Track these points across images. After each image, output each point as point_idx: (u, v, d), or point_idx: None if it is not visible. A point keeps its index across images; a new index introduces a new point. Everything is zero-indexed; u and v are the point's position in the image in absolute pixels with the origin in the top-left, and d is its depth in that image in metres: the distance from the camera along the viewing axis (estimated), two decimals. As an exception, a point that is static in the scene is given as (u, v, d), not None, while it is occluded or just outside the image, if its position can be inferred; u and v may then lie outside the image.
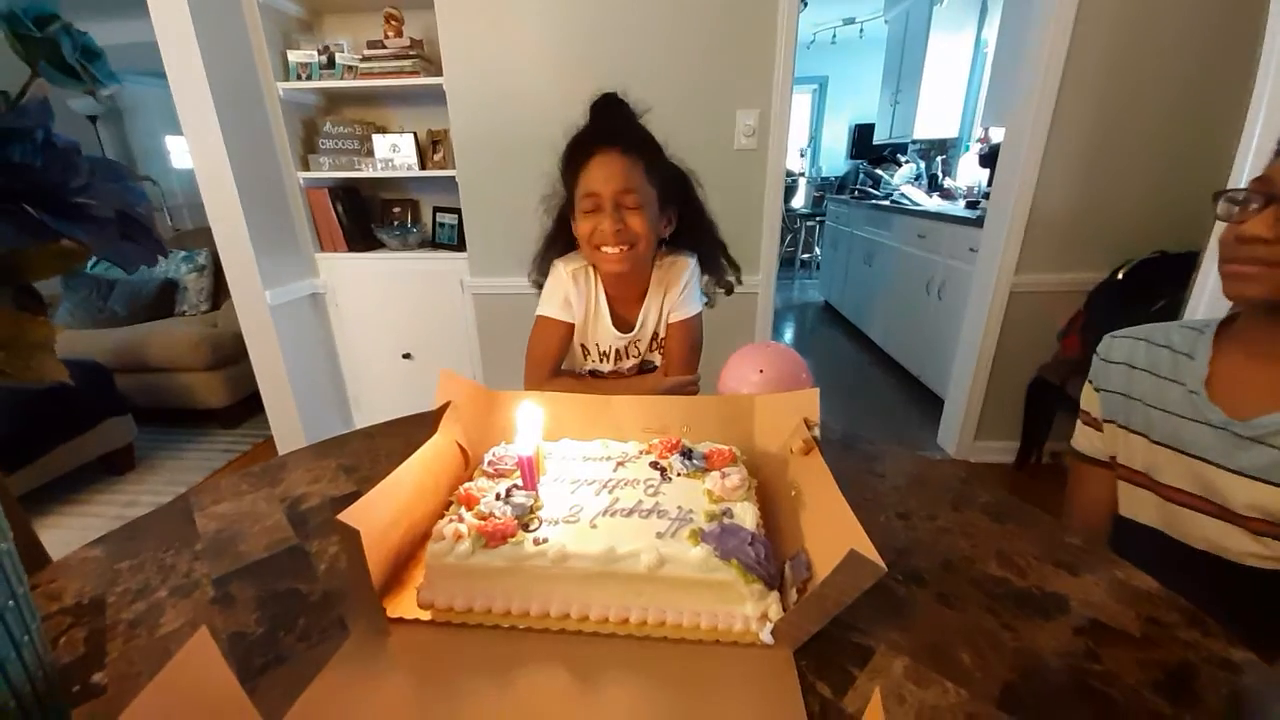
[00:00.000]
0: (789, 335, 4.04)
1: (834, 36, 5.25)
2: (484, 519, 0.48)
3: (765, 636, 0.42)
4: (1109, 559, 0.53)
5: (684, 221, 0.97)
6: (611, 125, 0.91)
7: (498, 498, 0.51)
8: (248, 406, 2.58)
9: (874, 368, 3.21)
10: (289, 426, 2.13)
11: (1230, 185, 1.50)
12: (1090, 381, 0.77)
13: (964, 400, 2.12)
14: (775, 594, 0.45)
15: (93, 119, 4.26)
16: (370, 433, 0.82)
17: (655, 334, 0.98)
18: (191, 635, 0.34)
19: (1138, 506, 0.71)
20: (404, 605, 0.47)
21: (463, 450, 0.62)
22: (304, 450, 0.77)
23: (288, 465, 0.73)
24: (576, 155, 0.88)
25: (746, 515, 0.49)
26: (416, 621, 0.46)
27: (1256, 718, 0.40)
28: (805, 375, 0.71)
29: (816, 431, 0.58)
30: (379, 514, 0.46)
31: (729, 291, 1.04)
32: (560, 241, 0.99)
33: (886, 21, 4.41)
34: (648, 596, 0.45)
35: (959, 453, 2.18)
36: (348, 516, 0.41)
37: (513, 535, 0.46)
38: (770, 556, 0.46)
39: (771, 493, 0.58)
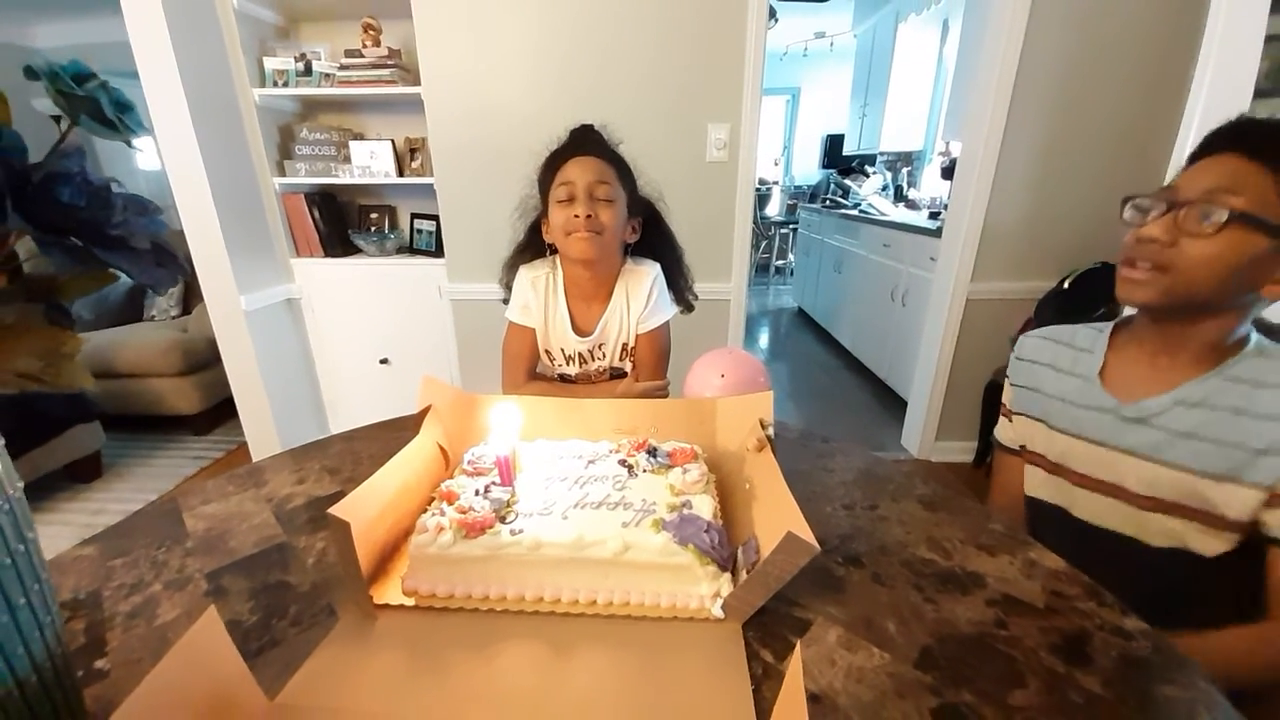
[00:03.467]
0: (764, 340, 4.13)
1: (805, 49, 5.40)
2: (464, 512, 0.52)
3: (716, 611, 0.48)
4: (1025, 542, 0.60)
5: (651, 244, 1.05)
6: (589, 140, 0.98)
7: (477, 493, 0.55)
8: (220, 413, 2.55)
9: (844, 371, 3.32)
10: (263, 432, 2.12)
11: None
12: (1008, 377, 0.85)
13: (925, 403, 2.22)
14: (728, 575, 0.50)
15: (56, 119, 4.16)
16: (351, 436, 0.85)
17: (625, 345, 1.03)
18: (188, 625, 0.37)
19: (1040, 487, 0.79)
20: (390, 593, 0.51)
21: (443, 451, 0.66)
22: (287, 453, 0.80)
23: (272, 468, 0.76)
24: (554, 161, 0.97)
25: (704, 506, 0.55)
26: (402, 607, 0.50)
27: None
28: (763, 379, 0.76)
29: (771, 431, 0.64)
30: (366, 508, 0.50)
31: (688, 310, 1.11)
32: (530, 248, 1.06)
33: (855, 36, 4.57)
34: (613, 579, 0.50)
35: (921, 452, 2.28)
36: (338, 510, 0.45)
37: (490, 527, 0.51)
38: (724, 542, 0.52)
39: (730, 487, 0.64)
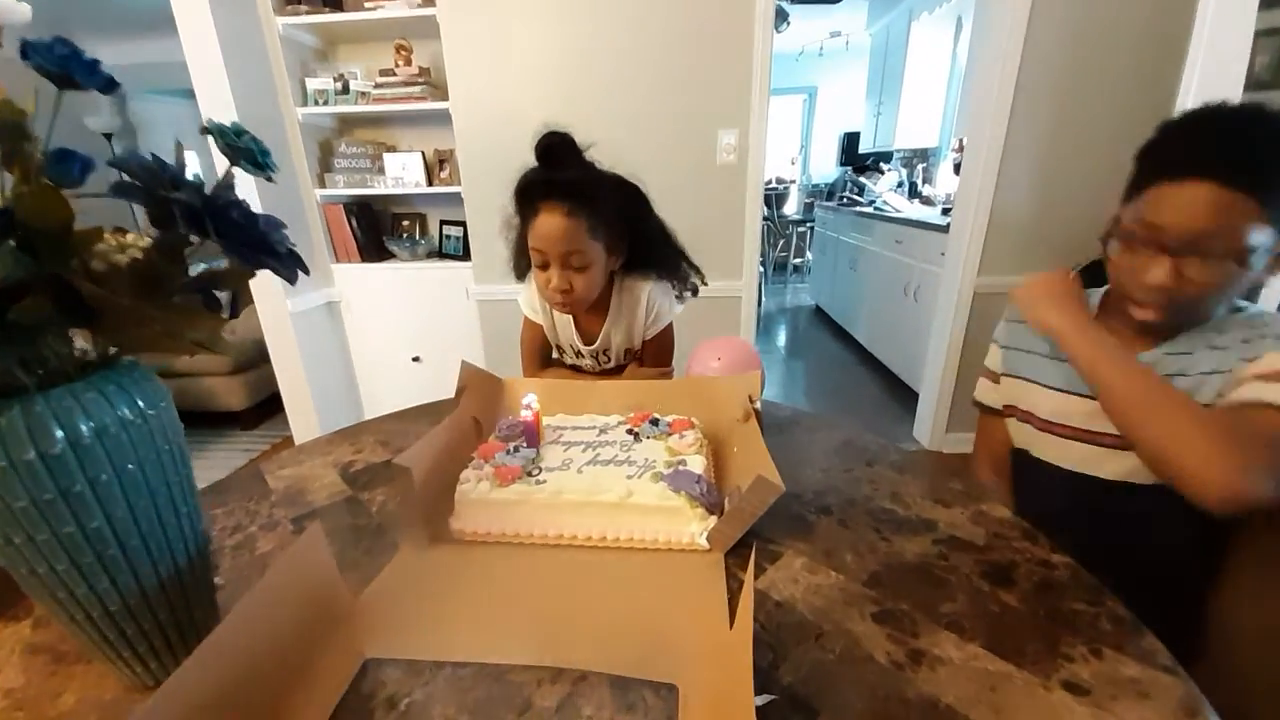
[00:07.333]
0: (782, 339, 4.19)
1: (821, 49, 5.44)
2: (498, 467, 0.64)
3: (702, 541, 0.58)
4: (979, 498, 0.69)
5: (640, 239, 1.00)
6: (556, 176, 0.90)
7: (508, 453, 0.67)
8: (265, 409, 2.75)
9: (859, 367, 3.38)
10: (307, 426, 2.29)
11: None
12: (995, 340, 0.91)
13: (935, 396, 2.28)
14: (714, 517, 0.61)
15: (108, 135, 4.43)
16: (399, 415, 0.98)
17: (629, 349, 1.11)
18: (280, 556, 0.48)
19: (1025, 439, 0.85)
20: (440, 529, 0.62)
21: (477, 422, 0.78)
22: (345, 429, 0.93)
23: (334, 441, 0.89)
24: (524, 204, 0.94)
25: (696, 464, 0.65)
26: (450, 540, 0.62)
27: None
28: (754, 361, 0.86)
29: (758, 405, 0.74)
30: (422, 461, 0.62)
31: (695, 294, 1.12)
32: (523, 263, 1.07)
33: (870, 34, 4.60)
34: (619, 520, 0.61)
35: (932, 444, 2.34)
36: (401, 460, 0.57)
37: (519, 476, 0.62)
38: (712, 490, 0.62)
39: (722, 450, 0.74)
